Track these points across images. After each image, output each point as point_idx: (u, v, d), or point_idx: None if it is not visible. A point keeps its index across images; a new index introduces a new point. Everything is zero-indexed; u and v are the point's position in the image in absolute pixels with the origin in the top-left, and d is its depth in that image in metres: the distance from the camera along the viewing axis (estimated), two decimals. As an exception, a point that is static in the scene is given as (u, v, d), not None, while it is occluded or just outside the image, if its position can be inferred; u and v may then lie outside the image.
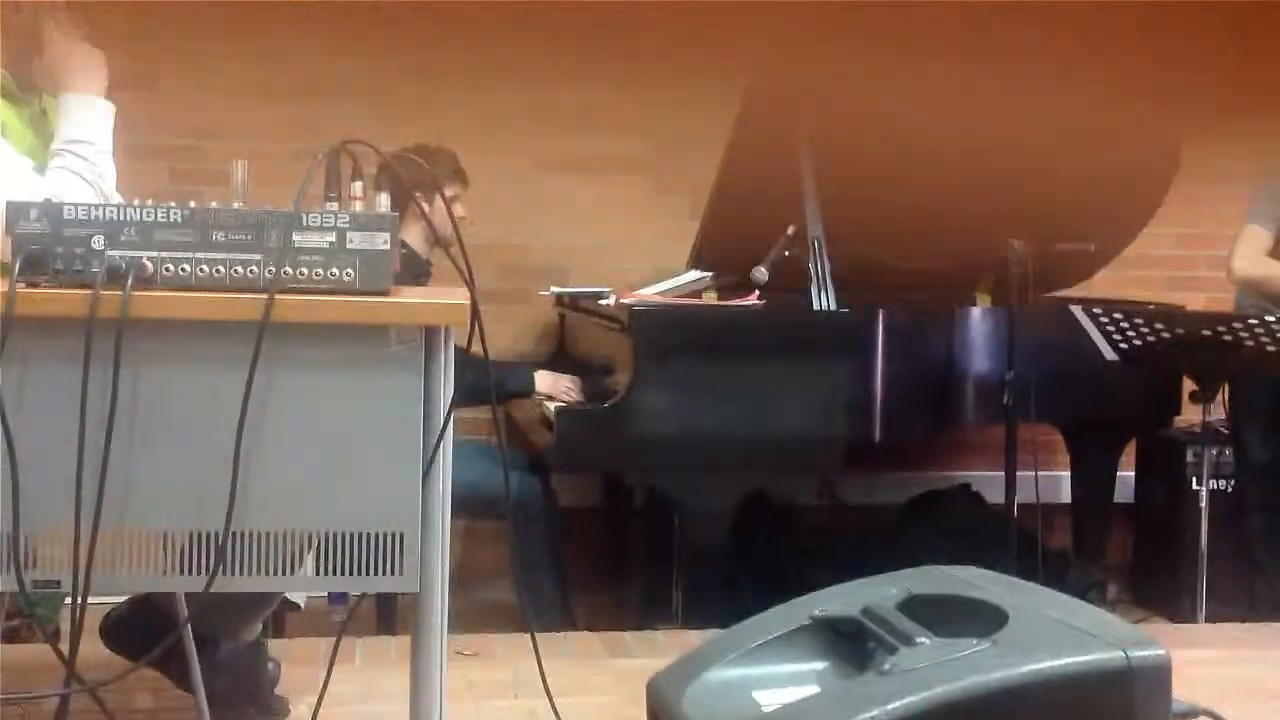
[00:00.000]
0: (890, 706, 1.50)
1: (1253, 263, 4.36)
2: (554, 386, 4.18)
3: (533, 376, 4.20)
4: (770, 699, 1.71)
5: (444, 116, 4.77)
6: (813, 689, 1.71)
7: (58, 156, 2.34)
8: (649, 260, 4.69)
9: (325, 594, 4.27)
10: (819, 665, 1.77)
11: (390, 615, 3.92)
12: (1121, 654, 1.56)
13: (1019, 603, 1.74)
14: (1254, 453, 4.45)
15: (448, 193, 4.00)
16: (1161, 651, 1.61)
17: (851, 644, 1.76)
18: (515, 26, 4.91)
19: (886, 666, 1.58)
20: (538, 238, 4.91)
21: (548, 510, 4.18)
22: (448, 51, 4.90)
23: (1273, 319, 3.80)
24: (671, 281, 4.19)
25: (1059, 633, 1.63)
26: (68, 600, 1.79)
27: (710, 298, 4.13)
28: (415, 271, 4.02)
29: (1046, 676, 1.54)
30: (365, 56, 4.85)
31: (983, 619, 1.70)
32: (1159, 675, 1.58)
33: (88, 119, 2.37)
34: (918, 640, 1.62)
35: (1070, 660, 1.56)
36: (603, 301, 4.21)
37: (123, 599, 2.72)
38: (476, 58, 4.91)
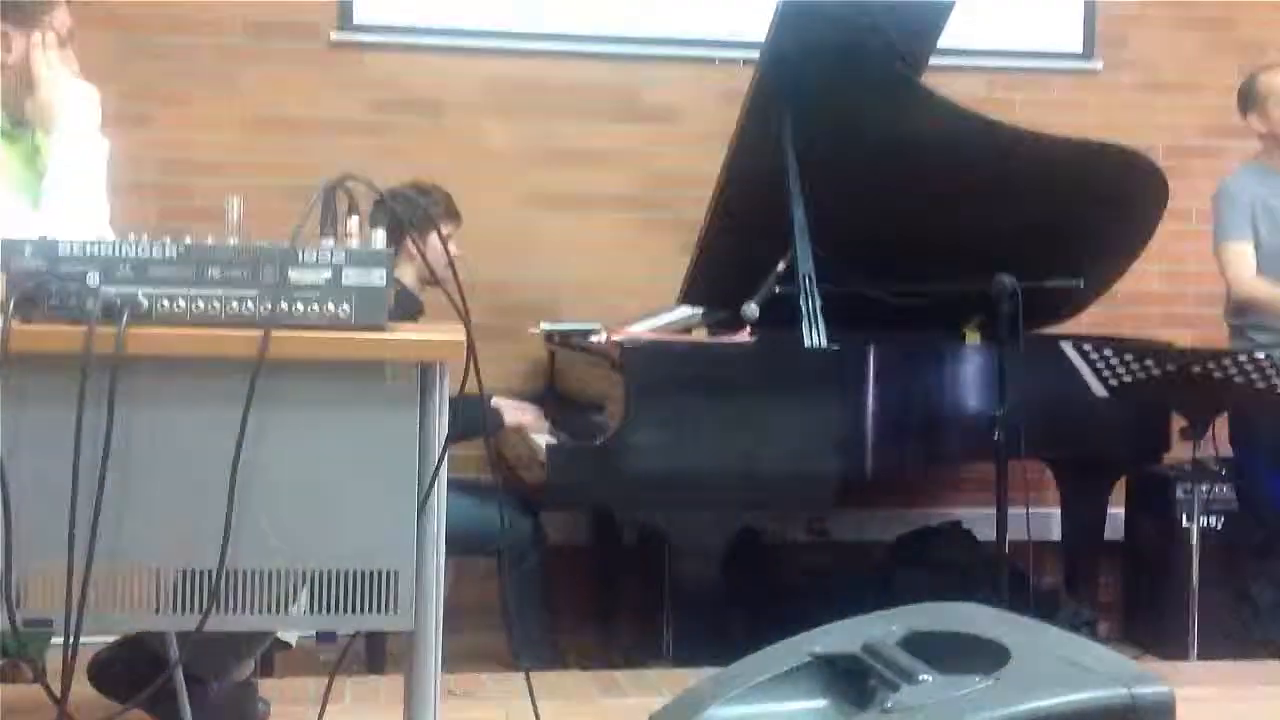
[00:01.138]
0: (894, 744, 1.49)
1: (1252, 281, 4.37)
2: (520, 415, 4.20)
3: (499, 411, 4.18)
4: (771, 737, 1.70)
5: (433, 153, 4.79)
6: (814, 727, 1.71)
7: (50, 193, 2.33)
8: (639, 297, 4.69)
9: (313, 633, 4.27)
10: (819, 703, 1.75)
11: (379, 655, 3.90)
12: (1125, 691, 1.55)
13: (1020, 639, 1.73)
14: (1256, 489, 4.43)
15: (443, 231, 4.00)
16: (1165, 689, 1.60)
17: (852, 682, 1.74)
18: (506, 63, 4.94)
19: (889, 704, 1.57)
20: (527, 274, 4.92)
21: (538, 548, 4.17)
22: (438, 88, 4.92)
23: (1262, 356, 3.81)
24: (662, 318, 4.20)
25: (1062, 670, 1.62)
26: (53, 640, 1.78)
27: (700, 334, 4.13)
28: (408, 309, 4.01)
29: (1050, 714, 1.53)
30: (356, 93, 4.87)
31: (984, 656, 1.69)
32: (1162, 712, 1.57)
33: (81, 155, 2.37)
34: (920, 678, 1.61)
35: (1074, 698, 1.55)
36: (593, 338, 4.21)
37: (111, 639, 2.70)
38: (467, 94, 4.93)
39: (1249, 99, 4.48)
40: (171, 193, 4.59)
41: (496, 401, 4.22)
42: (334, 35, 4.85)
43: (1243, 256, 4.40)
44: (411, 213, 3.44)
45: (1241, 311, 4.49)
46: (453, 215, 4.23)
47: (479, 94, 4.94)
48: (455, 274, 2.03)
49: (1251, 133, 4.56)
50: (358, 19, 4.88)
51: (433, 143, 4.85)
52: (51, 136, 2.40)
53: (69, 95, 2.42)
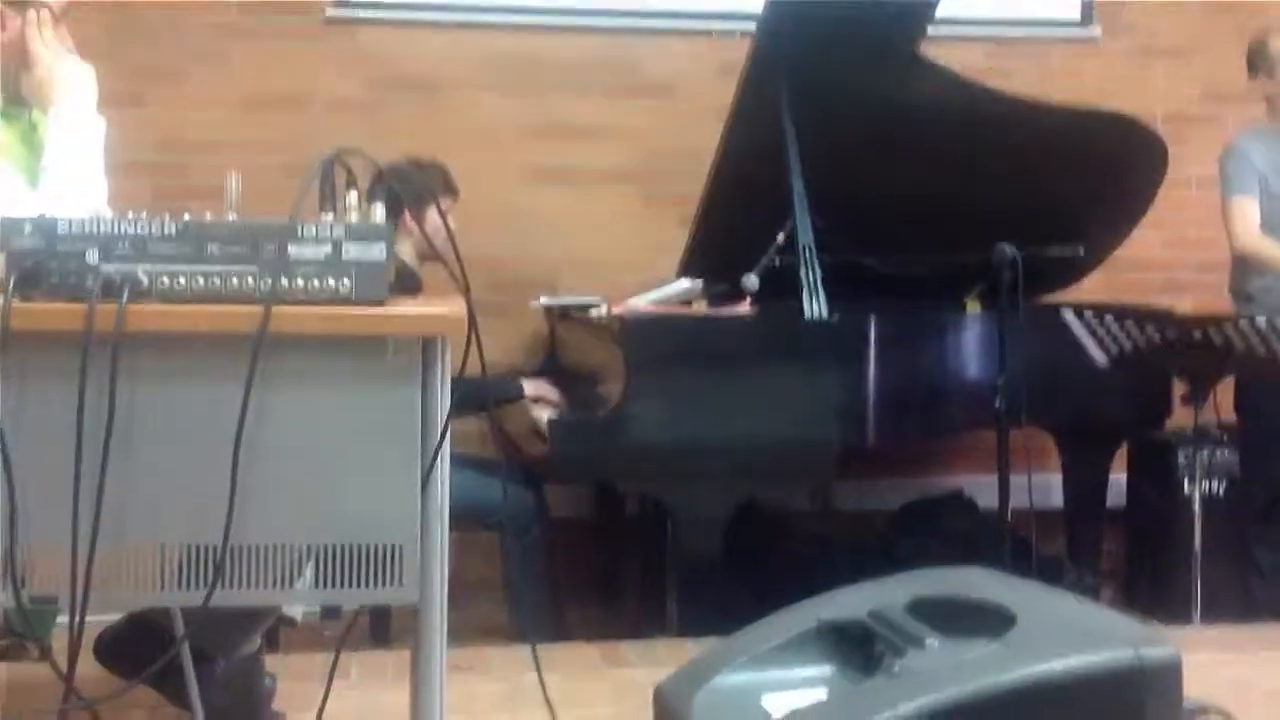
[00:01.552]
0: (901, 709, 1.48)
1: (1256, 235, 4.37)
2: (540, 388, 4.20)
3: (520, 382, 4.21)
4: (779, 704, 1.70)
5: (431, 128, 4.78)
6: (821, 693, 1.71)
7: (48, 171, 2.33)
8: (638, 270, 4.68)
9: (319, 608, 4.28)
10: (827, 669, 1.76)
11: (385, 629, 3.91)
12: (1133, 652, 1.56)
13: (1026, 603, 1.73)
14: (1259, 455, 4.43)
15: (441, 205, 4.00)
16: (1172, 650, 1.60)
17: (859, 647, 1.75)
18: (503, 38, 4.93)
19: (896, 669, 1.57)
20: (526, 249, 4.91)
21: (541, 521, 4.17)
22: (434, 64, 4.91)
23: (1263, 321, 3.81)
24: (661, 291, 4.19)
25: (1068, 632, 1.62)
26: (59, 619, 1.78)
27: (700, 306, 4.12)
28: (407, 285, 4.00)
29: (1058, 676, 1.53)
30: (352, 70, 4.85)
31: (991, 620, 1.69)
32: (1170, 673, 1.57)
33: (78, 134, 2.36)
34: (926, 642, 1.61)
35: (1081, 659, 1.55)
36: (593, 312, 4.21)
37: (116, 616, 2.71)
38: (464, 70, 4.92)
39: (1258, 60, 4.45)
40: (167, 171, 4.58)
41: (525, 380, 4.24)
42: (329, 11, 4.83)
43: (1247, 211, 4.39)
44: (409, 188, 3.43)
45: (1243, 276, 4.48)
46: (450, 189, 4.22)
47: (476, 70, 4.93)
48: (455, 248, 2.03)
49: (1253, 96, 4.54)
50: (352, -7, 4.86)
51: (429, 119, 4.84)
52: (49, 114, 2.39)
53: (66, 73, 2.41)
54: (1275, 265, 4.36)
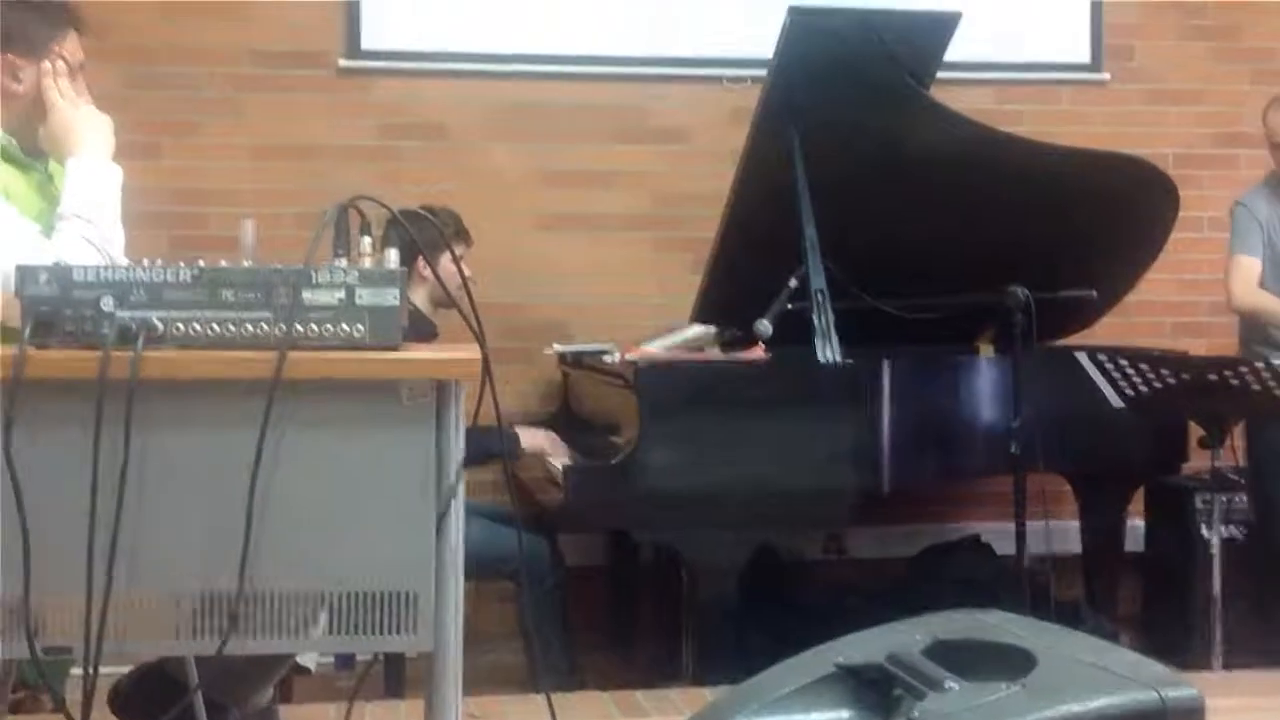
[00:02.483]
0: (922, 753, 1.47)
1: (1254, 293, 4.39)
2: (535, 440, 4.19)
3: (516, 435, 4.18)
4: (796, 749, 1.68)
5: (443, 176, 4.80)
6: (840, 739, 1.69)
7: (64, 221, 2.33)
8: (651, 316, 4.70)
9: (331, 659, 4.26)
10: (845, 714, 1.73)
11: (398, 680, 3.88)
12: (1155, 694, 1.54)
13: (1046, 645, 1.71)
14: (1272, 501, 4.40)
15: (455, 251, 4.00)
16: (1194, 692, 1.58)
17: (877, 691, 1.73)
18: (514, 87, 4.95)
19: (915, 713, 1.56)
20: (539, 297, 4.92)
21: (556, 570, 4.16)
22: (446, 112, 4.93)
23: (1279, 363, 3.80)
24: (675, 337, 4.19)
25: (1090, 674, 1.60)
26: (73, 670, 1.77)
27: (714, 352, 4.12)
28: (421, 332, 4.01)
29: (1080, 719, 1.52)
30: (364, 119, 4.88)
31: (1011, 663, 1.67)
32: (1193, 716, 1.55)
33: (95, 183, 2.37)
34: (946, 685, 1.59)
35: (1103, 702, 1.53)
36: (606, 359, 4.21)
37: (129, 668, 2.69)
38: (475, 118, 4.94)
39: (1265, 123, 4.46)
40: (183, 222, 4.60)
41: (518, 430, 4.22)
42: (342, 62, 4.86)
43: (1247, 271, 4.41)
44: (423, 234, 3.44)
45: (1249, 328, 4.49)
46: (464, 236, 4.24)
47: (487, 118, 4.95)
48: (469, 294, 2.03)
49: (1262, 143, 4.55)
50: (365, 45, 4.89)
51: (442, 167, 4.86)
52: (67, 163, 2.40)
53: (84, 123, 2.43)
54: (1275, 319, 4.37)
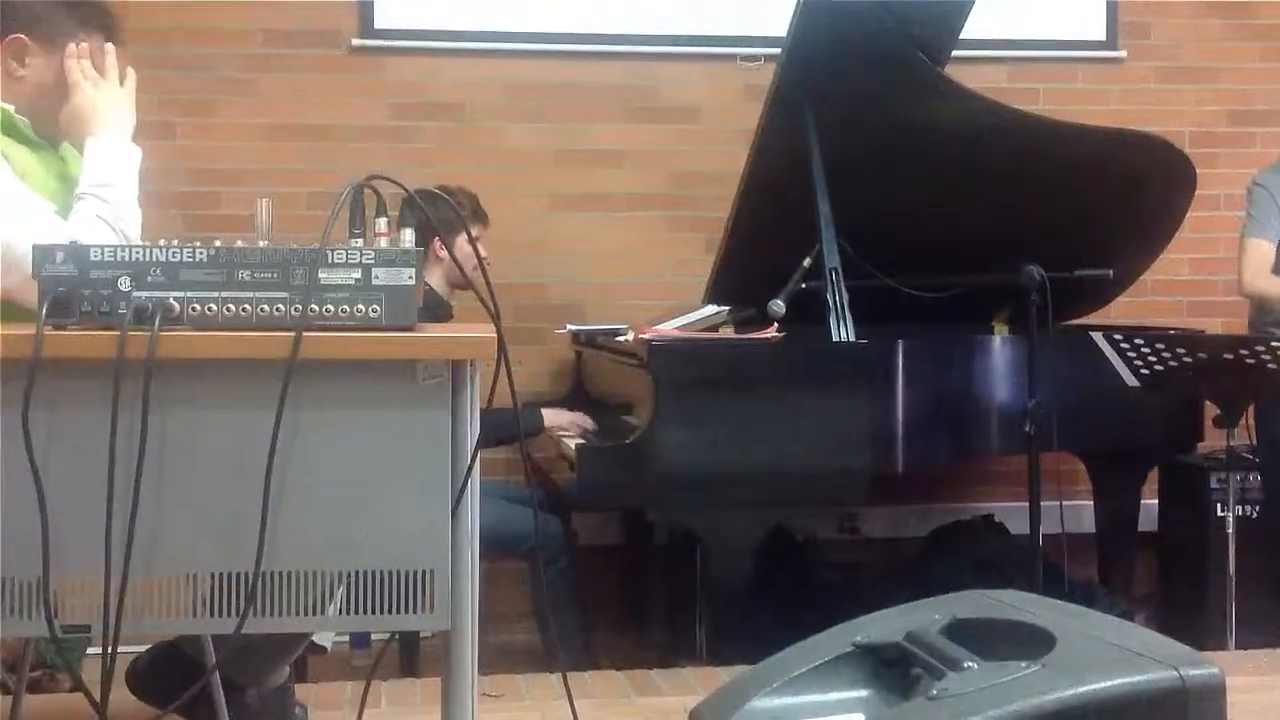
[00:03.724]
0: (941, 732, 1.47)
1: (1265, 278, 4.36)
2: (561, 418, 4.20)
3: (540, 413, 4.20)
4: (815, 728, 1.69)
5: (456, 156, 4.79)
6: (858, 718, 1.69)
7: (81, 200, 2.33)
8: (665, 296, 4.70)
9: (346, 638, 4.27)
10: (863, 693, 1.74)
11: (414, 657, 3.90)
12: (1175, 673, 1.53)
13: (1065, 624, 1.71)
14: None
15: (471, 232, 3.99)
16: (1215, 670, 1.58)
17: (895, 671, 1.73)
18: (527, 65, 4.94)
19: (934, 692, 1.55)
20: (553, 277, 4.92)
21: (569, 549, 4.16)
22: (459, 92, 4.92)
23: (1294, 341, 3.78)
24: (689, 316, 4.18)
25: (1109, 653, 1.60)
26: (89, 650, 1.78)
27: (728, 332, 4.11)
28: (437, 313, 4.02)
29: (1100, 698, 1.51)
30: (377, 99, 4.87)
31: (1030, 642, 1.67)
32: (1213, 694, 1.55)
33: (112, 163, 2.37)
34: (965, 665, 1.59)
35: (1123, 681, 1.52)
36: (620, 338, 4.20)
37: (146, 645, 2.71)
38: (488, 97, 4.93)
39: None
40: (197, 202, 4.61)
41: (546, 410, 4.24)
42: (354, 41, 4.86)
43: (1257, 254, 4.38)
44: (439, 215, 3.44)
45: (1259, 311, 4.46)
46: (480, 217, 4.24)
47: (501, 97, 4.94)
48: (485, 274, 2.02)
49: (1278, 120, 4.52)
50: (379, 24, 4.88)
51: (455, 147, 4.85)
52: (86, 143, 2.40)
53: (105, 102, 2.42)
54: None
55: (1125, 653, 1.60)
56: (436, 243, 3.86)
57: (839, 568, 4.71)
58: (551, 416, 4.25)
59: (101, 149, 2.37)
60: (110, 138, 2.39)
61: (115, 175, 2.35)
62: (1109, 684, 1.52)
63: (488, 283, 1.96)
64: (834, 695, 1.73)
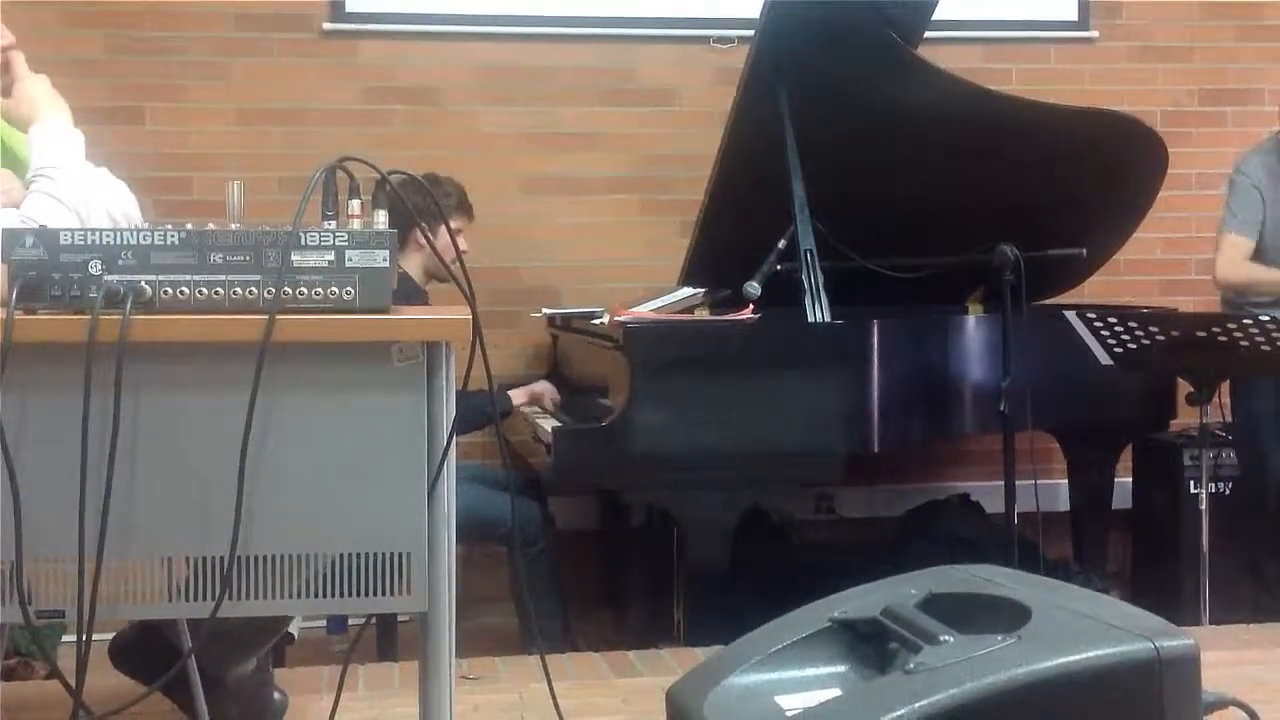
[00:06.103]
0: (918, 705, 1.47)
1: (1237, 269, 4.38)
2: (529, 393, 4.23)
3: (508, 395, 4.21)
4: (793, 703, 1.69)
5: (430, 139, 4.78)
6: (835, 692, 1.70)
7: (33, 183, 2.32)
8: (640, 279, 4.69)
9: (324, 623, 4.27)
10: (840, 668, 1.75)
11: (391, 641, 3.89)
12: (1150, 645, 1.55)
13: (1040, 598, 1.72)
14: (1261, 457, 4.42)
15: (453, 225, 3.97)
16: (1190, 642, 1.59)
17: (873, 645, 1.74)
18: (500, 48, 4.93)
19: (911, 665, 1.56)
20: (528, 260, 4.91)
21: (547, 534, 4.16)
22: (432, 75, 4.91)
23: (1267, 319, 3.80)
24: (664, 299, 4.18)
25: (1084, 626, 1.61)
26: (64, 638, 1.77)
27: (703, 314, 4.11)
28: (412, 300, 3.99)
29: (1075, 670, 1.52)
30: (349, 82, 4.85)
31: (1005, 615, 1.68)
32: (1188, 666, 1.56)
33: (58, 145, 2.35)
34: (941, 638, 1.60)
35: (1098, 653, 1.53)
36: (595, 321, 4.20)
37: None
38: (461, 80, 4.92)
39: None
40: (166, 186, 4.56)
41: (512, 391, 4.25)
42: (326, 25, 4.83)
43: (1232, 249, 4.40)
44: (421, 203, 3.44)
45: (1238, 293, 4.49)
46: (465, 209, 4.23)
47: (473, 80, 4.93)
48: (463, 266, 2.02)
49: (1252, 96, 4.53)
50: (350, 8, 4.86)
51: (428, 130, 4.84)
52: (30, 130, 2.38)
53: (46, 92, 2.41)
54: (1257, 288, 4.37)
55: (1101, 625, 1.61)
56: (418, 231, 3.84)
57: (816, 548, 4.72)
58: (518, 396, 4.26)
59: (46, 133, 2.36)
60: (53, 122, 2.38)
61: (61, 156, 2.33)
62: (1085, 655, 1.54)
63: (466, 275, 1.96)
64: (811, 670, 1.74)
